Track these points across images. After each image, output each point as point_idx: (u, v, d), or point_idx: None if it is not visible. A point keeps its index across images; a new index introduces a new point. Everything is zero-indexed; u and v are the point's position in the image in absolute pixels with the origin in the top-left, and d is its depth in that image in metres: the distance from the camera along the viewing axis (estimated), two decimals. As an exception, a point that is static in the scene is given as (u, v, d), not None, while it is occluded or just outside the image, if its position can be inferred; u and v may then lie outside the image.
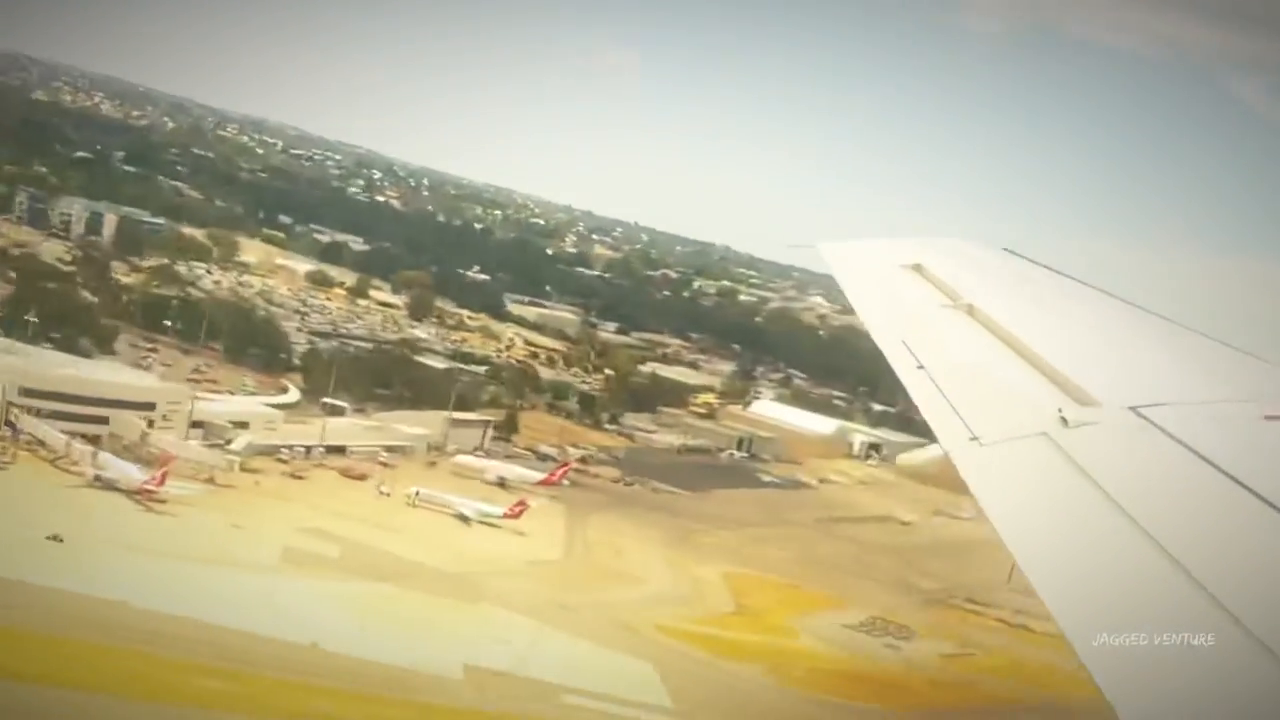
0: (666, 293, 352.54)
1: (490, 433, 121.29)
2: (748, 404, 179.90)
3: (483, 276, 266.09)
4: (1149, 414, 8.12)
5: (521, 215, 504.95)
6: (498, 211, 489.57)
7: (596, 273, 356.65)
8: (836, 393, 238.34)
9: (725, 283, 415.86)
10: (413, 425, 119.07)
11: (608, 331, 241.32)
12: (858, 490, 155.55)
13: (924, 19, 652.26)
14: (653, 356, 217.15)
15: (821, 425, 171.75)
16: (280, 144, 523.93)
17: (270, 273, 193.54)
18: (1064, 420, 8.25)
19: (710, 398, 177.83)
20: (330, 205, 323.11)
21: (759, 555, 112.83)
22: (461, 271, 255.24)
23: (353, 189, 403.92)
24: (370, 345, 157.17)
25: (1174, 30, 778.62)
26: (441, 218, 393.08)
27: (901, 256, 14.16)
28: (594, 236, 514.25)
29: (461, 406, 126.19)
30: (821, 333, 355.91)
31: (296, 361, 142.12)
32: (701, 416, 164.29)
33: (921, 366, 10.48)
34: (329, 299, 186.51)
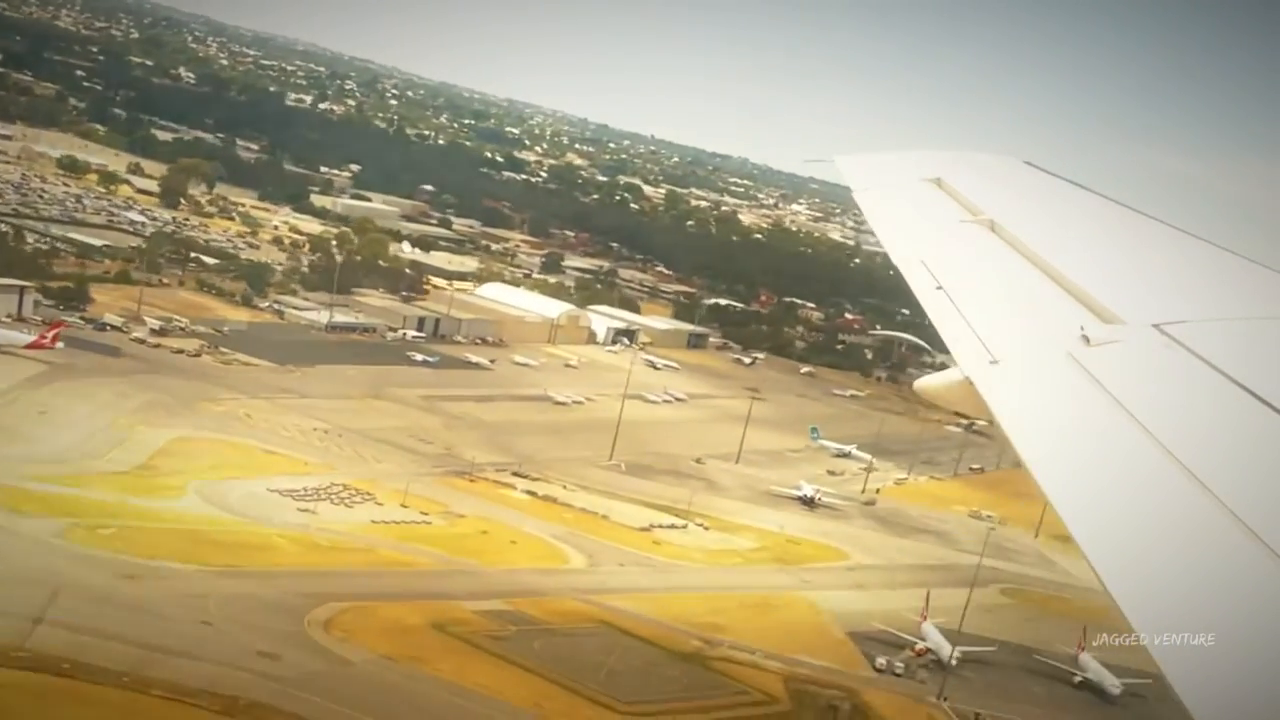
0: (595, 197, 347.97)
1: (31, 299, 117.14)
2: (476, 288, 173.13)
3: (336, 172, 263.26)
4: (1173, 331, 8.04)
5: (498, 124, 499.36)
6: (469, 120, 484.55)
7: (524, 177, 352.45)
8: (686, 288, 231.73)
9: (668, 189, 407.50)
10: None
11: (465, 228, 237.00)
12: (549, 373, 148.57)
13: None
14: (464, 251, 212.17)
15: (550, 309, 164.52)
16: (256, 55, 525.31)
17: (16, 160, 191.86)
18: (1086, 339, 8.19)
19: (448, 282, 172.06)
20: (232, 109, 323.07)
21: (280, 424, 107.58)
22: (295, 168, 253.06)
23: (297, 98, 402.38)
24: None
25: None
26: (383, 126, 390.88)
27: (920, 170, 13.93)
28: (577, 146, 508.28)
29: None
30: (758, 237, 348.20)
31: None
32: (405, 300, 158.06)
33: (940, 287, 10.27)
34: (66, 184, 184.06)
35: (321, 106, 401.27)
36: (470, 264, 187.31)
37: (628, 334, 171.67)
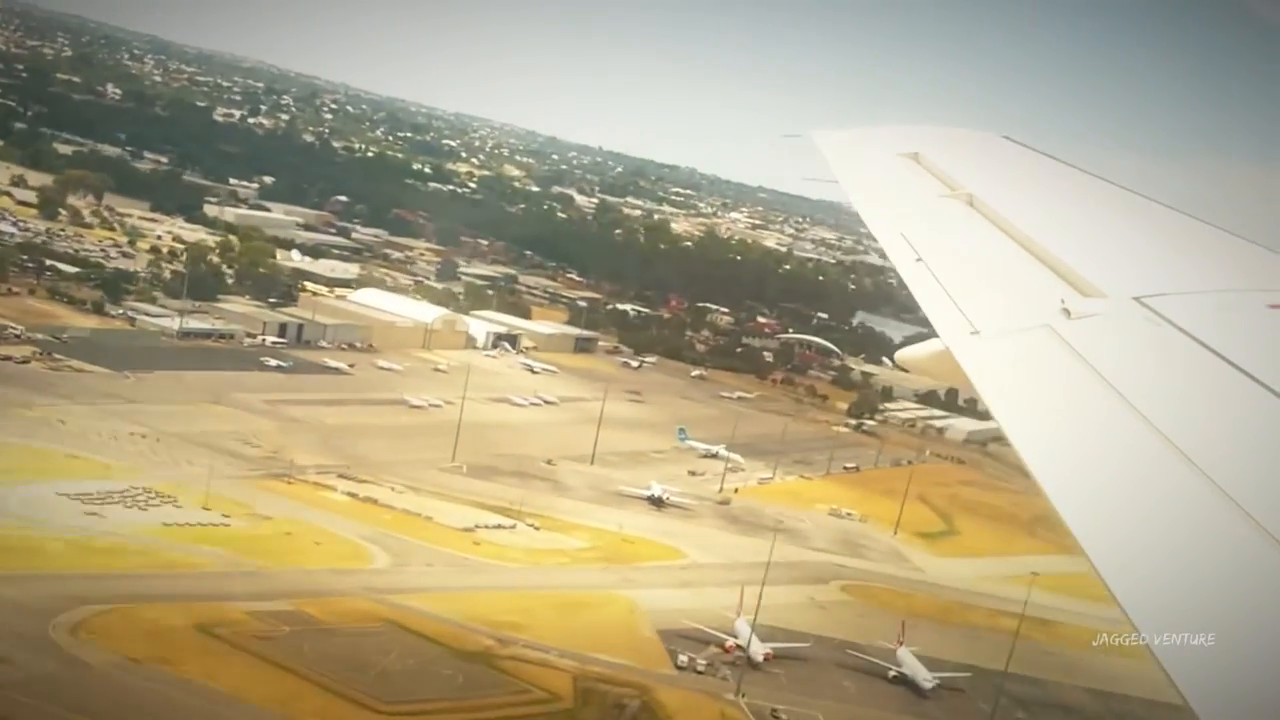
0: (521, 206, 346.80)
1: None
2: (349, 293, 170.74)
3: (245, 184, 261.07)
4: (1153, 304, 8.12)
5: (437, 138, 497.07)
6: (407, 133, 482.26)
7: (450, 188, 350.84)
8: (593, 294, 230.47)
9: (601, 198, 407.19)
10: None
11: (369, 237, 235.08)
12: (413, 377, 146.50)
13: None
14: (359, 259, 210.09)
15: (424, 314, 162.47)
16: (192, 71, 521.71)
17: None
18: (1067, 311, 8.26)
19: (327, 288, 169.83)
20: (149, 124, 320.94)
21: (95, 429, 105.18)
22: (202, 180, 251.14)
23: (226, 113, 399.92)
24: None
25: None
26: (310, 139, 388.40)
27: (898, 145, 13.90)
28: (518, 158, 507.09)
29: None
30: (687, 244, 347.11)
31: None
32: (272, 306, 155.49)
33: (920, 259, 10.35)
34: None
35: (251, 121, 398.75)
36: (354, 271, 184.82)
37: (509, 339, 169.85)
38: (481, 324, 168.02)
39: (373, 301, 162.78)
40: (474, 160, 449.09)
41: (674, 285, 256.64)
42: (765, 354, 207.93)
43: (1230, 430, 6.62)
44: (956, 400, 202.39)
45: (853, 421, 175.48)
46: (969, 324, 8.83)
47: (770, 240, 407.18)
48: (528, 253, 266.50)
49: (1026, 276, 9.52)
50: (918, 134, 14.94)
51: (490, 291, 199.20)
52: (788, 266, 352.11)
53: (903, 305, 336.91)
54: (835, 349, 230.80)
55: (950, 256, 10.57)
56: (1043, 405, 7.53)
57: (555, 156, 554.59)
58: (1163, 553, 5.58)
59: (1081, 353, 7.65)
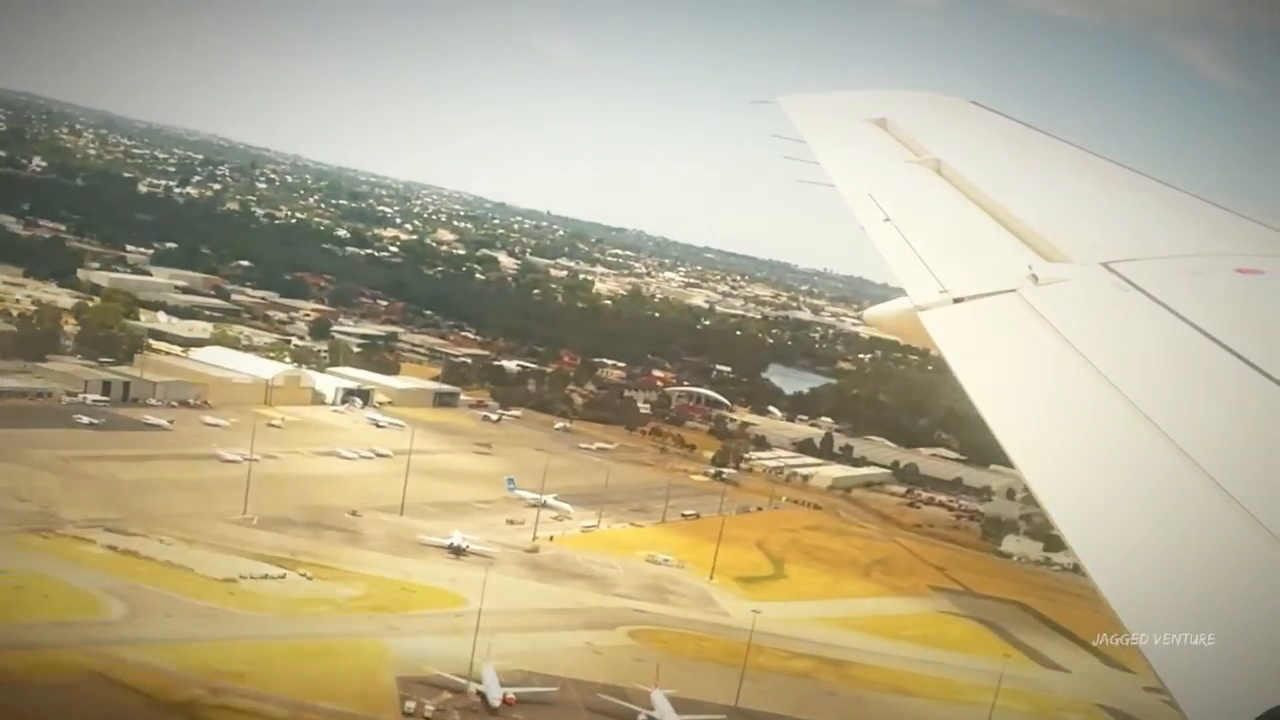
0: (440, 269, 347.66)
1: None
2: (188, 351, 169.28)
3: (139, 250, 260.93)
4: (1121, 269, 8.13)
5: (373, 205, 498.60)
6: (342, 201, 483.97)
7: (367, 252, 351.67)
8: (481, 351, 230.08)
9: (526, 259, 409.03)
10: None
11: (254, 299, 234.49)
12: (239, 432, 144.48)
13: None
14: (237, 320, 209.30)
15: (266, 371, 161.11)
16: (130, 144, 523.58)
17: None
18: (1034, 277, 8.24)
19: (181, 348, 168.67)
20: (58, 193, 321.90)
21: None
22: (98, 247, 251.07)
23: (152, 183, 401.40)
24: None
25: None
26: (234, 207, 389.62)
27: (866, 110, 13.94)
28: (455, 223, 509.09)
29: None
30: (607, 302, 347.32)
31: None
32: (102, 365, 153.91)
33: (888, 219, 10.20)
34: None
35: (178, 191, 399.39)
36: (210, 330, 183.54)
37: (360, 394, 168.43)
38: (331, 380, 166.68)
39: (214, 359, 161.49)
40: (408, 226, 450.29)
41: (575, 342, 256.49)
42: (642, 406, 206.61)
43: (1196, 396, 6.56)
44: (832, 448, 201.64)
45: (712, 470, 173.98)
46: (938, 284, 8.67)
47: (698, 298, 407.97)
48: (427, 312, 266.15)
49: (994, 241, 9.38)
50: (885, 99, 14.77)
51: (357, 349, 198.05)
52: (706, 322, 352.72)
53: (819, 358, 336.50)
54: (723, 400, 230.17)
55: (917, 220, 10.38)
56: (1008, 370, 7.40)
57: (497, 221, 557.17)
58: (1129, 518, 5.51)
59: (1048, 318, 7.55)
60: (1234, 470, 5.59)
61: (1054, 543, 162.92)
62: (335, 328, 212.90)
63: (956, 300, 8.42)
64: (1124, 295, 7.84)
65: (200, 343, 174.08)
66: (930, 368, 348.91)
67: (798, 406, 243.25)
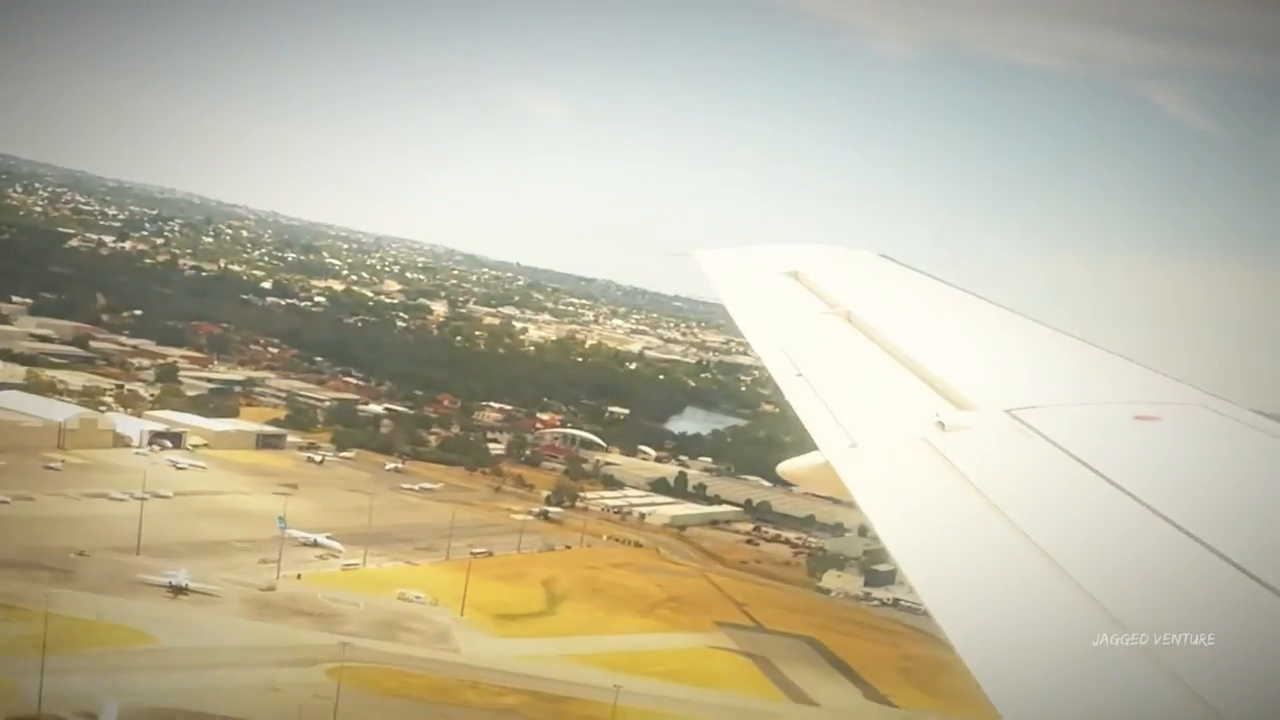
0: (360, 318, 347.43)
1: None
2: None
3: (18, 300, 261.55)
4: (1024, 416, 8.50)
5: (320, 259, 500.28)
6: (291, 254, 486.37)
7: (287, 302, 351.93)
8: (347, 395, 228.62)
9: (457, 308, 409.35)
10: None
11: (122, 346, 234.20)
12: (8, 475, 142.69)
13: (829, 47, 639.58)
14: (91, 366, 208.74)
15: (59, 414, 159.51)
16: (81, 200, 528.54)
17: None
18: (941, 424, 8.55)
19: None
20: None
21: None
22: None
23: (89, 237, 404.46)
24: None
25: (1083, 44, 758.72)
26: (163, 259, 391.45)
27: (779, 263, 14.49)
28: (409, 275, 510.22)
29: None
30: (530, 349, 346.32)
31: None
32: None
33: (800, 374, 10.41)
34: None
35: (114, 245, 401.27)
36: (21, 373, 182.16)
37: (171, 436, 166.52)
38: (136, 422, 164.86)
39: (7, 403, 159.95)
40: (354, 277, 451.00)
41: (471, 386, 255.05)
42: (497, 448, 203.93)
43: (1095, 536, 6.87)
44: (686, 487, 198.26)
45: (537, 509, 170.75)
46: (847, 436, 8.92)
47: (637, 344, 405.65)
48: (317, 359, 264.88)
49: (903, 390, 9.71)
50: (798, 253, 15.45)
51: (205, 393, 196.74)
52: (632, 366, 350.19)
53: (742, 401, 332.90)
54: (598, 441, 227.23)
55: (829, 371, 10.71)
56: (918, 514, 7.69)
57: (458, 272, 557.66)
58: (1036, 661, 5.70)
59: (955, 463, 7.89)
60: (1133, 607, 5.81)
61: (875, 578, 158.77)
62: (187, 373, 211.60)
63: (865, 450, 8.72)
64: (1026, 441, 8.12)
65: (13, 386, 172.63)
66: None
67: (684, 448, 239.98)
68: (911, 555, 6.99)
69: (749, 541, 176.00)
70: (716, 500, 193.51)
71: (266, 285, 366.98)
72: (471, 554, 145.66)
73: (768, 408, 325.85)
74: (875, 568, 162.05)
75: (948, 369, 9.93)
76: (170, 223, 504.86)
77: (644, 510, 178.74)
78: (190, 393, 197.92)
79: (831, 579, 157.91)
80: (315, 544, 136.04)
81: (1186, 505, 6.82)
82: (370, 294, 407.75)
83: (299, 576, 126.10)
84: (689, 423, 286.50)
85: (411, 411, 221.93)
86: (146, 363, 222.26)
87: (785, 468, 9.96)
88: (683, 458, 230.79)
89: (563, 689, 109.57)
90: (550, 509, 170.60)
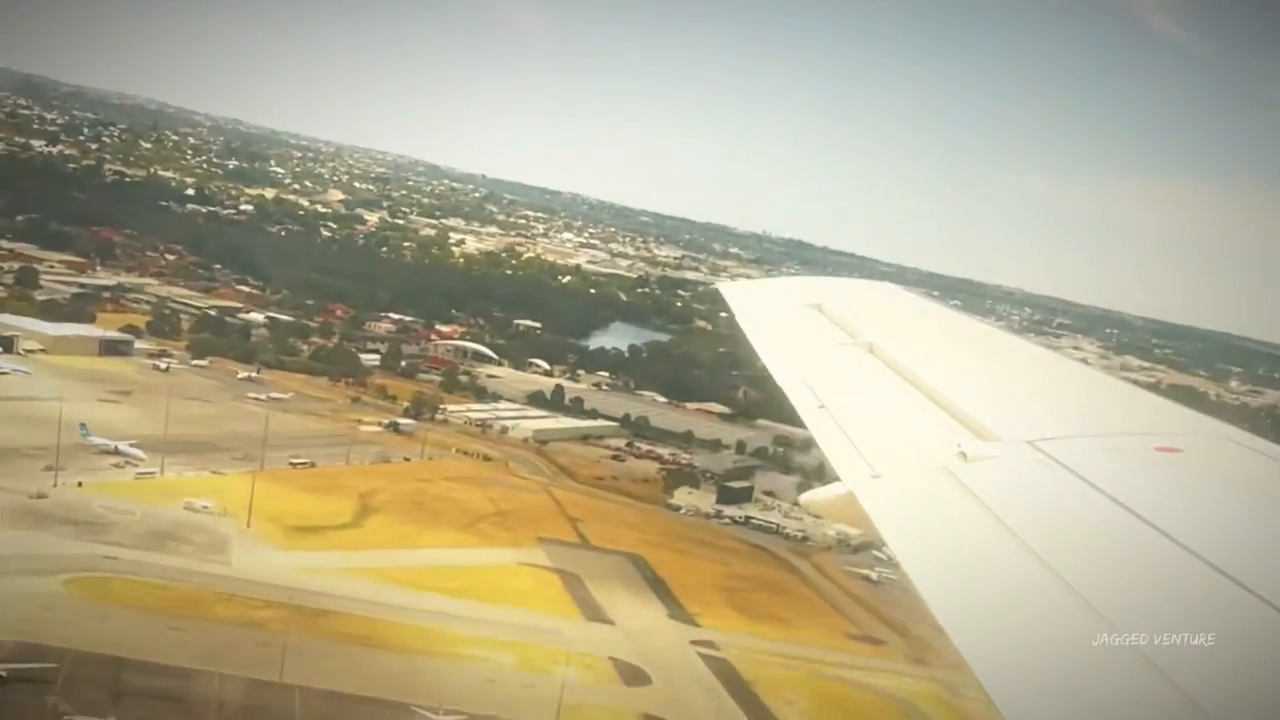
0: (283, 227, 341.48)
1: None
2: None
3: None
4: (1046, 447, 8.58)
5: (263, 166, 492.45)
6: (230, 161, 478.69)
7: (212, 209, 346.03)
8: (231, 304, 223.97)
9: (388, 218, 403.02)
10: None
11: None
12: None
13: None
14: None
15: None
16: (25, 104, 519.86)
17: None
18: (963, 455, 8.62)
19: None
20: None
21: None
22: None
23: (12, 141, 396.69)
24: None
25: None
26: (90, 163, 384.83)
27: (801, 296, 14.85)
28: (358, 184, 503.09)
29: None
30: (459, 260, 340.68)
31: None
32: None
33: (823, 406, 10.75)
34: None
35: (42, 149, 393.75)
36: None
37: (3, 341, 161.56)
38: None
39: None
40: (296, 186, 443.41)
41: (379, 297, 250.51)
42: (370, 359, 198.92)
43: (1118, 567, 6.92)
44: (563, 401, 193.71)
45: (387, 421, 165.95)
46: (870, 468, 9.09)
47: (582, 258, 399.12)
48: (216, 266, 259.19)
49: (925, 421, 9.86)
50: (819, 285, 16.00)
51: (52, 298, 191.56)
52: (565, 280, 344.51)
53: (674, 317, 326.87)
54: (491, 355, 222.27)
55: (851, 403, 10.86)
56: (940, 545, 7.71)
57: (412, 183, 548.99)
58: (1058, 690, 5.76)
59: (977, 494, 7.91)
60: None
61: (727, 495, 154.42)
62: (55, 277, 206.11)
63: (888, 480, 8.74)
64: (1048, 472, 8.17)
65: None
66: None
67: (586, 363, 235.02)
68: (934, 585, 6.94)
69: (615, 457, 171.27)
70: (594, 415, 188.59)
71: (190, 192, 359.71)
72: (291, 464, 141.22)
73: (701, 324, 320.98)
74: (729, 484, 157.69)
75: (969, 400, 10.04)
76: (111, 128, 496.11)
77: (508, 424, 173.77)
78: (47, 297, 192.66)
79: (683, 496, 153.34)
80: (116, 451, 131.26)
81: (1210, 537, 6.81)
82: (306, 203, 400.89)
83: (80, 484, 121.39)
84: (611, 338, 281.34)
85: (292, 320, 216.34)
86: (17, 266, 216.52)
87: (808, 498, 10.11)
88: (580, 373, 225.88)
89: (327, 603, 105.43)
90: (401, 421, 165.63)
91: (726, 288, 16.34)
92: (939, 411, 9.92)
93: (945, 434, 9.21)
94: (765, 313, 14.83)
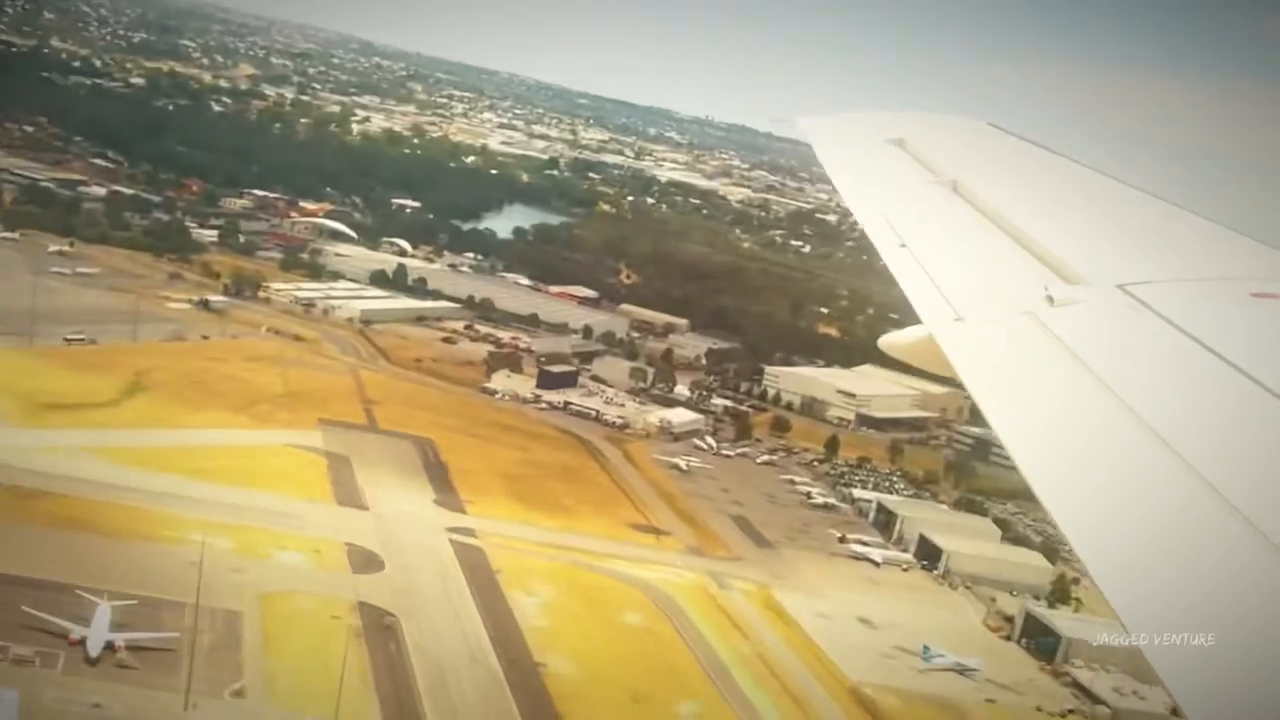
0: (171, 101, 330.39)
1: None
2: None
3: None
4: (1136, 291, 8.38)
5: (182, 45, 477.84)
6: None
7: (96, 82, 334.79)
8: (78, 176, 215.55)
9: (300, 96, 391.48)
10: None
11: None
12: None
13: None
14: None
15: None
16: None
17: None
18: (1050, 299, 8.45)
19: None
20: None
21: None
22: None
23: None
24: None
25: None
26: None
27: (883, 131, 14.61)
28: (274, 60, 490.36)
29: None
30: (355, 138, 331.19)
31: None
32: None
33: (904, 245, 10.56)
34: None
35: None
36: None
37: None
38: None
39: None
40: (204, 60, 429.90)
41: (252, 174, 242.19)
42: (207, 234, 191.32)
43: (1210, 417, 6.67)
44: (406, 280, 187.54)
45: (198, 298, 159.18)
46: (952, 310, 8.96)
47: (495, 139, 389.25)
48: (78, 139, 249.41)
49: (1010, 263, 9.67)
50: (903, 120, 15.36)
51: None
52: (469, 160, 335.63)
53: (577, 199, 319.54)
54: (349, 233, 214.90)
55: (934, 242, 10.68)
56: (1025, 392, 7.58)
57: (336, 60, 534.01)
58: (1143, 540, 5.62)
59: (1064, 340, 7.77)
60: (1247, 491, 5.69)
61: (547, 380, 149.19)
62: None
63: (971, 324, 8.58)
64: (1138, 317, 8.01)
65: None
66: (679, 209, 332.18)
67: (461, 244, 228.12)
68: (1016, 431, 6.77)
69: (446, 339, 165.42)
70: (437, 296, 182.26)
71: (75, 64, 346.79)
72: (65, 340, 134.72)
73: (605, 208, 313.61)
74: (549, 369, 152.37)
75: (1057, 241, 9.85)
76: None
77: (335, 304, 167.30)
78: None
79: (501, 380, 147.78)
80: None
81: None
82: (209, 78, 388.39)
83: None
84: (504, 220, 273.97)
85: (132, 194, 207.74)
86: None
87: (887, 340, 9.91)
88: (447, 254, 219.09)
89: (46, 483, 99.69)
90: (213, 299, 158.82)
91: (805, 121, 15.83)
92: (1024, 253, 9.78)
93: (1031, 276, 9.10)
94: (844, 147, 14.51)
